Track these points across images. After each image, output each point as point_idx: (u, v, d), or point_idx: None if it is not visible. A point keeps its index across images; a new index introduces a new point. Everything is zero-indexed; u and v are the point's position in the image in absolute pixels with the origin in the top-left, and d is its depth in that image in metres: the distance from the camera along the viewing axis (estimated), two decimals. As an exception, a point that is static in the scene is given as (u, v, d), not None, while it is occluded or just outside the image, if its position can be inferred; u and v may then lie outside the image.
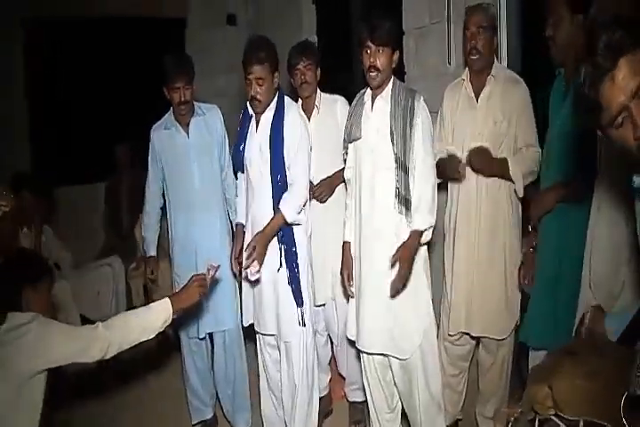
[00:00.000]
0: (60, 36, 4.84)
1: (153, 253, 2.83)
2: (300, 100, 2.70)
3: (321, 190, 2.61)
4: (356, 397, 2.80)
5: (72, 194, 4.76)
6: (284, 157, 2.32)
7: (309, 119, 2.64)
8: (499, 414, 2.47)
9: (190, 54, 2.88)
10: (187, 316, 2.66)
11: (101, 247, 4.47)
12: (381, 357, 2.26)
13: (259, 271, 2.26)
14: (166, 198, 2.76)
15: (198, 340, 2.75)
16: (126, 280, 3.90)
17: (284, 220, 2.30)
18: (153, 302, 2.01)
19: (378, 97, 2.18)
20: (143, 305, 3.77)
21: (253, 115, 2.42)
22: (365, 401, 2.49)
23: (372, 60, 2.10)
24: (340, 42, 4.08)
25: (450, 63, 2.93)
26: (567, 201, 2.00)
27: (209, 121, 2.73)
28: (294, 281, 2.35)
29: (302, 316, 2.36)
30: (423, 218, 2.10)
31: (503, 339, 2.39)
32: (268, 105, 2.36)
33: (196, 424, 2.88)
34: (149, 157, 2.75)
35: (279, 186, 2.33)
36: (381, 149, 2.13)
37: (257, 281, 2.36)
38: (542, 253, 2.13)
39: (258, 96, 2.30)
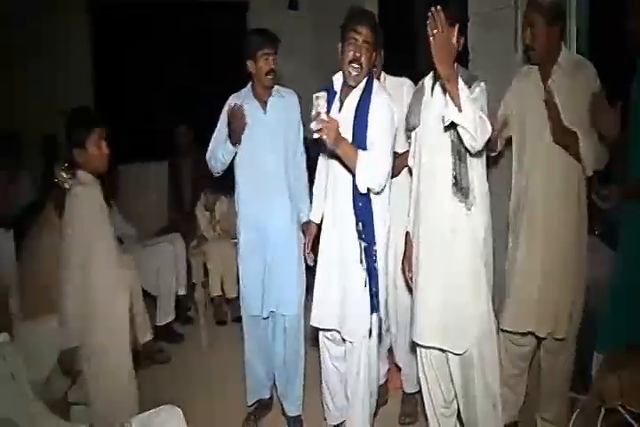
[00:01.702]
0: (126, 21, 4.98)
1: None
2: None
3: None
4: (413, 388, 2.75)
5: (137, 171, 4.91)
6: (366, 145, 2.16)
7: None
8: (558, 417, 2.42)
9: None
10: (250, 296, 2.68)
11: (164, 225, 4.57)
12: (439, 351, 2.21)
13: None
14: (235, 178, 2.69)
15: (262, 319, 2.72)
16: (187, 258, 4.01)
17: (355, 164, 2.11)
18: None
19: (439, 82, 2.11)
20: (203, 283, 3.93)
21: (338, 92, 2.29)
22: (420, 393, 2.44)
23: None
24: (401, 26, 4.03)
25: (517, 50, 2.86)
26: None
27: (287, 103, 2.68)
28: (372, 283, 2.20)
29: (372, 324, 2.21)
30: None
31: (563, 339, 2.31)
32: (362, 80, 2.20)
33: (252, 405, 2.86)
34: (220, 121, 2.66)
35: None
36: (439, 137, 2.06)
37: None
38: (622, 262, 2.08)
39: (362, 58, 2.14)
